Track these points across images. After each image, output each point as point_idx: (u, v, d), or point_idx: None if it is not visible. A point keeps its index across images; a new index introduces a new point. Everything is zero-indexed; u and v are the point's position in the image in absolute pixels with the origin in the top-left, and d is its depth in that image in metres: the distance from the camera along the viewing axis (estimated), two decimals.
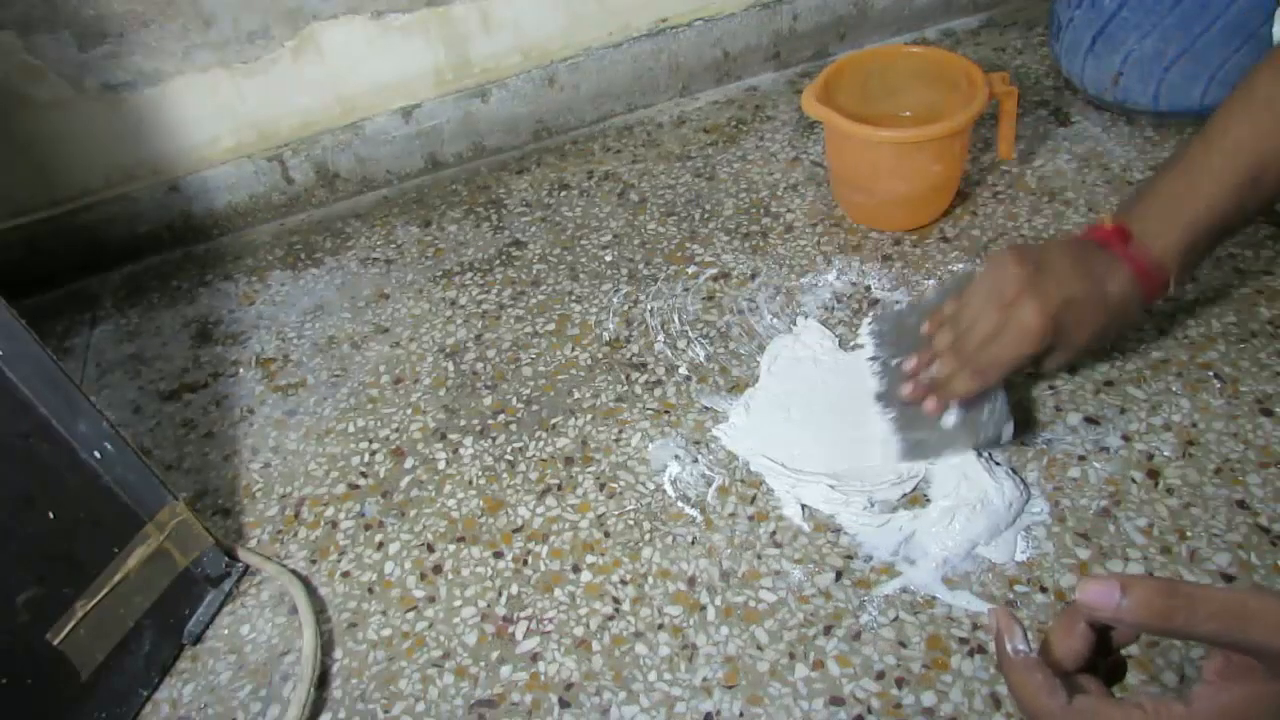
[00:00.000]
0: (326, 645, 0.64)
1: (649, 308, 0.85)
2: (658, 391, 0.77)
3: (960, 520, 0.62)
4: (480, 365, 0.82)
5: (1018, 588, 0.60)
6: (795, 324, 0.80)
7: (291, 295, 0.95)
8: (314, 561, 0.70)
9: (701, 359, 0.79)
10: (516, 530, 0.69)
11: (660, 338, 0.82)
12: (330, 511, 0.73)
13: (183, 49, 0.93)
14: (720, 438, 0.72)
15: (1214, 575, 0.59)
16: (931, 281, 0.82)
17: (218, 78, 0.95)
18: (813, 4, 1.10)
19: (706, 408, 0.75)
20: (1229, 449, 0.65)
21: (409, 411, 0.79)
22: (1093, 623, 0.38)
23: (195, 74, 0.94)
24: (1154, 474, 0.65)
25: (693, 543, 0.66)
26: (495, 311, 0.88)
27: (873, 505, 0.65)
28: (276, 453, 0.78)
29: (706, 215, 0.94)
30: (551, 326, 0.85)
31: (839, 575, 0.62)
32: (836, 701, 0.56)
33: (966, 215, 0.89)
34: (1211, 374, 0.70)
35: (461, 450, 0.75)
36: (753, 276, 0.86)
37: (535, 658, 0.61)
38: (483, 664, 0.62)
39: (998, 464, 0.66)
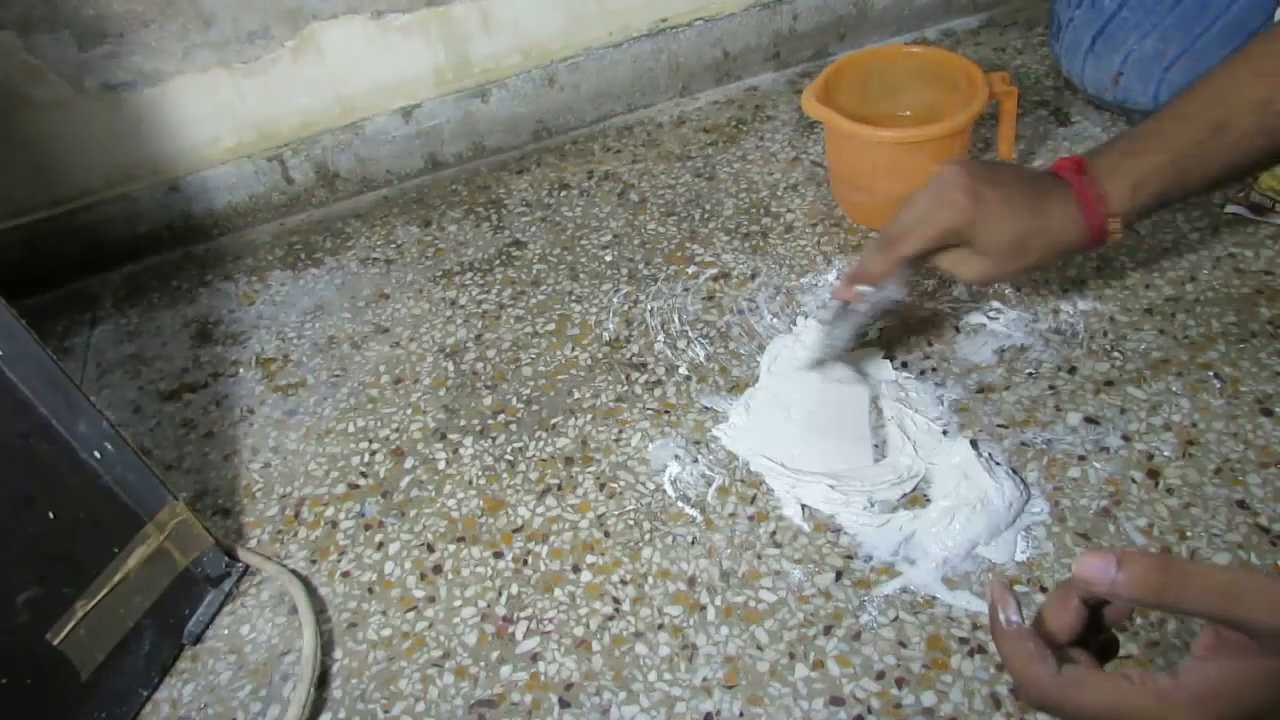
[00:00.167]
0: (326, 645, 0.64)
1: (649, 308, 0.85)
2: (658, 391, 0.77)
3: (960, 520, 0.62)
4: (480, 365, 0.82)
5: (1018, 588, 0.60)
6: (795, 324, 0.80)
7: (291, 295, 0.95)
8: (314, 561, 0.70)
9: (701, 359, 0.79)
10: (516, 530, 0.69)
11: (660, 338, 0.82)
12: (330, 511, 0.73)
13: (183, 49, 0.93)
14: (720, 438, 0.72)
15: None
16: (931, 282, 0.82)
17: (218, 78, 0.95)
18: (813, 4, 1.10)
19: (706, 408, 0.75)
20: (1229, 449, 0.65)
21: (409, 411, 0.79)
22: (1086, 598, 0.38)
23: (195, 74, 0.94)
24: (1154, 474, 0.65)
25: (693, 543, 0.66)
26: (495, 311, 0.88)
27: (873, 505, 0.65)
28: (276, 453, 0.78)
29: (706, 215, 0.94)
30: (551, 326, 0.85)
31: (839, 575, 0.62)
32: (836, 701, 0.56)
33: None
34: (1211, 374, 0.70)
35: (461, 450, 0.75)
36: (753, 276, 0.86)
37: (535, 658, 0.61)
38: (483, 664, 0.62)
39: (998, 464, 0.66)
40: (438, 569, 0.68)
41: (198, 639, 0.66)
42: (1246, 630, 0.33)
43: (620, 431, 0.74)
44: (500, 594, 0.65)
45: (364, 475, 0.75)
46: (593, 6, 1.03)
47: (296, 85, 0.98)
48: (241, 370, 0.87)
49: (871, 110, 0.88)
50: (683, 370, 0.78)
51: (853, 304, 0.66)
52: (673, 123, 1.09)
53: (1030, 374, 0.73)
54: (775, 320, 0.81)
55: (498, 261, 0.93)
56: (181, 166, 1.00)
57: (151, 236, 1.02)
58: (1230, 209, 0.82)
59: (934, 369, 0.74)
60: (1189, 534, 0.61)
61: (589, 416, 0.76)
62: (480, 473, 0.73)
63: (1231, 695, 0.33)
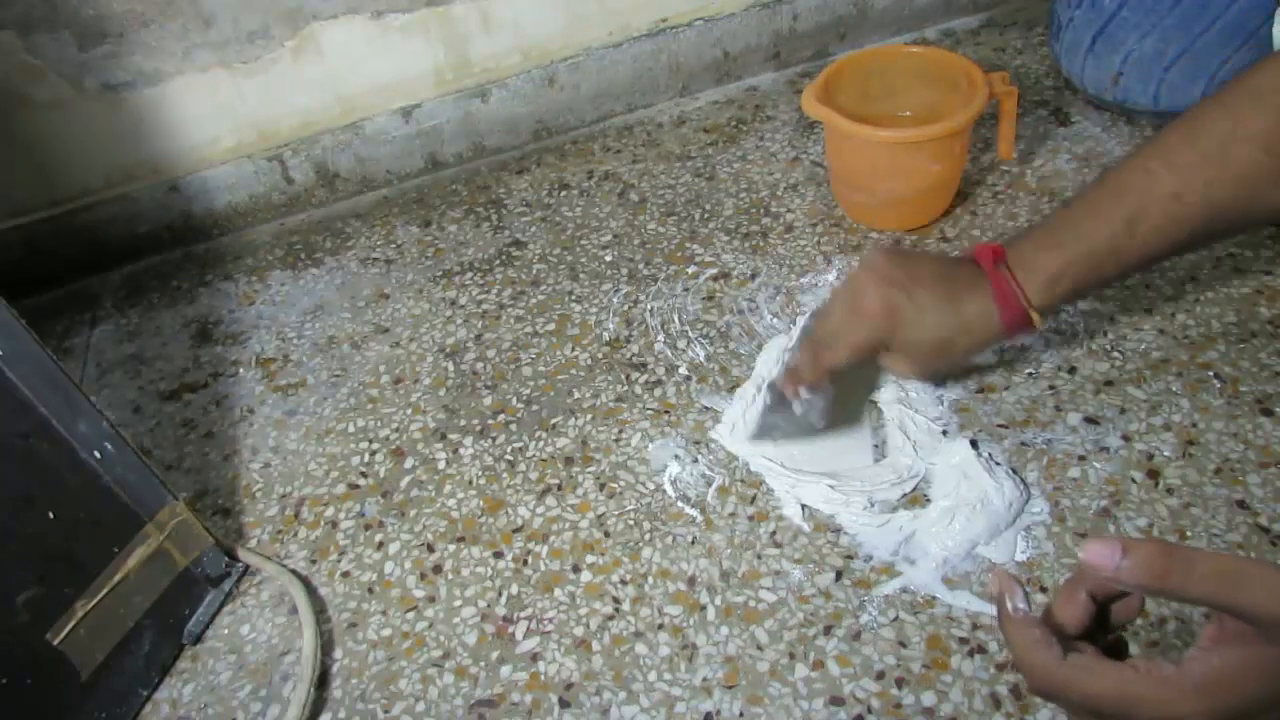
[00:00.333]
0: (326, 645, 0.64)
1: (649, 308, 0.85)
2: (658, 391, 0.77)
3: (960, 520, 0.62)
4: (480, 365, 0.82)
5: None
6: (795, 324, 0.80)
7: (291, 295, 0.95)
8: (314, 561, 0.70)
9: (701, 359, 0.79)
10: (516, 530, 0.69)
11: (660, 338, 0.82)
12: (330, 511, 0.73)
13: (183, 49, 0.93)
14: (719, 438, 0.72)
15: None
16: None
17: (218, 78, 0.95)
18: (813, 4, 1.10)
19: (706, 408, 0.75)
20: (1229, 449, 0.65)
21: (409, 411, 0.79)
22: (1094, 592, 0.39)
23: (195, 74, 0.94)
24: (1154, 474, 0.65)
25: (693, 543, 0.66)
26: (495, 311, 0.88)
27: (873, 505, 0.65)
28: (276, 453, 0.78)
29: (706, 215, 0.94)
30: (551, 326, 0.85)
31: (839, 575, 0.62)
32: (836, 701, 0.56)
33: (966, 215, 0.89)
34: (1211, 374, 0.70)
35: (461, 450, 0.75)
36: (753, 276, 0.86)
37: (535, 658, 0.61)
38: (483, 664, 0.62)
39: (998, 464, 0.66)
40: (438, 569, 0.68)
41: (198, 639, 0.66)
42: (1248, 618, 0.33)
43: (620, 431, 0.74)
44: (500, 594, 0.65)
45: (364, 475, 0.75)
46: (593, 6, 1.03)
47: (296, 85, 0.98)
48: (241, 370, 0.87)
49: (871, 110, 0.88)
50: (683, 370, 0.78)
51: (791, 400, 0.67)
52: (673, 123, 1.09)
53: (1030, 374, 0.73)
54: (775, 320, 0.81)
55: (498, 261, 0.93)
56: (181, 166, 1.00)
57: (151, 236, 1.02)
58: None
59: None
60: (1189, 534, 0.61)
61: (589, 416, 0.76)
62: (480, 473, 0.73)
63: (1235, 683, 0.34)
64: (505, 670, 0.61)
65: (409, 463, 0.75)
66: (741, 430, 0.70)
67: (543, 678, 0.60)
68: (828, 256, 0.87)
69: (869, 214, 0.89)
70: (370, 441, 0.78)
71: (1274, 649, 0.33)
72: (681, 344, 0.81)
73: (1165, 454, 0.66)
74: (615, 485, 0.70)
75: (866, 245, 0.87)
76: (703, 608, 0.62)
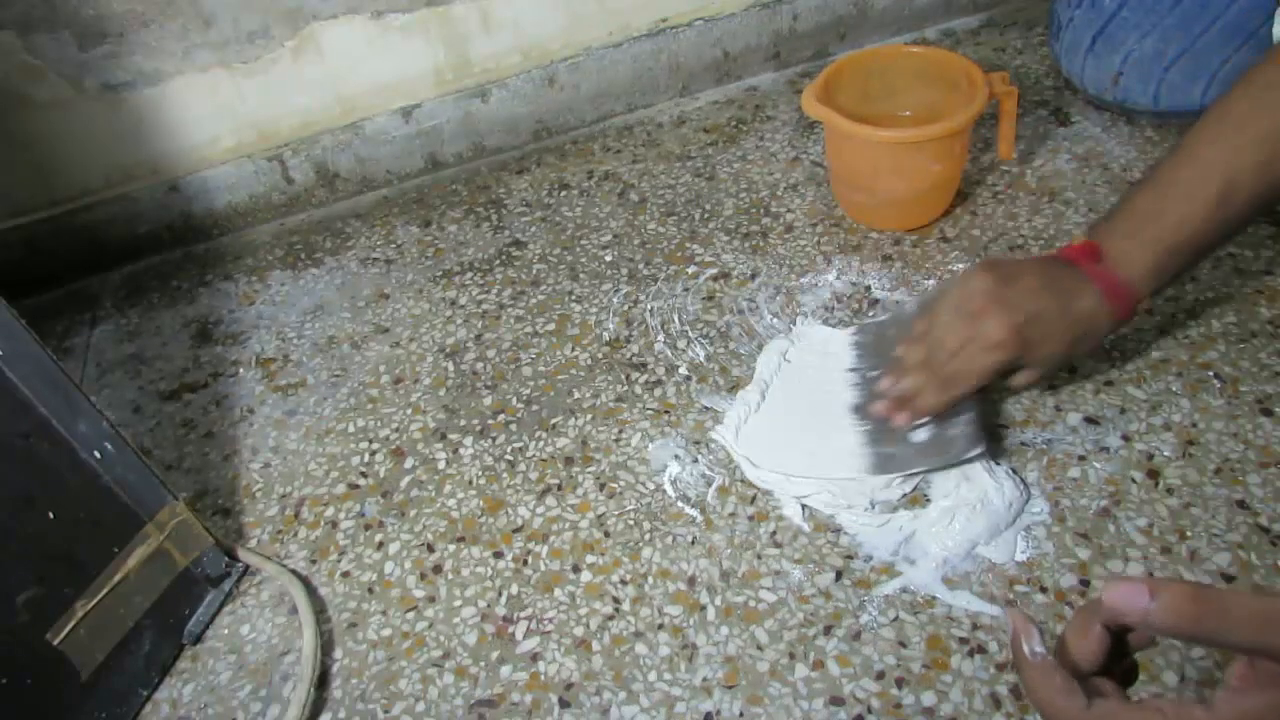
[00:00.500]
0: (326, 645, 0.64)
1: (649, 308, 0.85)
2: (658, 391, 0.77)
3: (960, 520, 0.62)
4: (480, 365, 0.82)
5: (1018, 588, 0.60)
6: (795, 324, 0.80)
7: (291, 295, 0.95)
8: (314, 561, 0.70)
9: (701, 359, 0.79)
10: (516, 530, 0.69)
11: (660, 338, 0.82)
12: (330, 511, 0.73)
13: (183, 49, 0.93)
14: (717, 439, 0.72)
15: (1214, 575, 0.59)
16: (931, 281, 0.82)
17: (218, 78, 0.95)
18: (813, 4, 1.10)
19: (706, 408, 0.75)
20: (1229, 449, 0.65)
21: (409, 411, 0.79)
22: (1109, 625, 0.37)
23: (195, 74, 0.94)
24: (1154, 474, 0.65)
25: (693, 543, 0.66)
26: (495, 311, 0.88)
27: (873, 505, 0.65)
28: (276, 453, 0.78)
29: (706, 215, 0.94)
30: (551, 326, 0.85)
31: (839, 575, 0.62)
32: (836, 701, 0.56)
33: (966, 215, 0.89)
34: (1211, 374, 0.70)
35: (461, 450, 0.75)
36: (753, 276, 0.86)
37: (535, 658, 0.61)
38: (483, 664, 0.62)
39: (998, 464, 0.66)
40: (438, 569, 0.68)
41: (198, 639, 0.66)
42: None
43: (620, 431, 0.74)
44: (500, 594, 0.65)
45: (364, 475, 0.75)
46: (593, 6, 1.03)
47: (296, 85, 0.98)
48: (241, 370, 0.87)
49: (871, 110, 0.88)
50: (683, 370, 0.78)
51: (905, 428, 0.66)
52: (673, 123, 1.09)
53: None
54: (775, 320, 0.81)
55: (498, 261, 0.93)
56: (181, 166, 1.00)
57: (151, 236, 1.02)
58: None
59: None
60: (1189, 534, 0.61)
61: (589, 416, 0.76)
62: (480, 473, 0.73)
63: None
64: (505, 670, 0.61)
65: (409, 463, 0.75)
66: (856, 464, 0.67)
67: (543, 678, 0.60)
68: (828, 256, 0.87)
69: (869, 214, 0.89)
70: (370, 441, 0.78)
71: None
72: (681, 344, 0.81)
73: (1165, 454, 0.66)
74: (615, 485, 0.70)
75: (866, 245, 0.87)
76: (703, 608, 0.62)
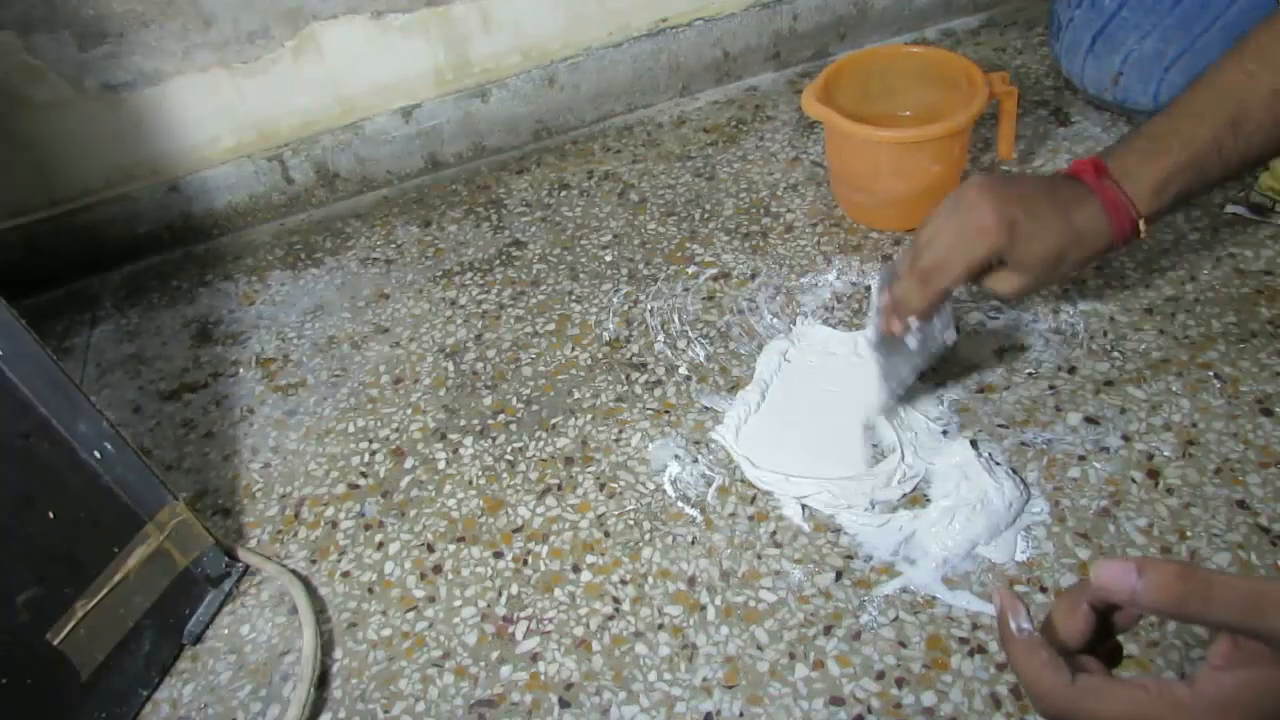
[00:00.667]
0: (326, 645, 0.64)
1: (649, 308, 0.85)
2: (658, 391, 0.77)
3: (960, 520, 0.62)
4: (480, 365, 0.82)
5: (1018, 588, 0.60)
6: (795, 324, 0.80)
7: (291, 295, 0.95)
8: (314, 561, 0.70)
9: (701, 359, 0.79)
10: (516, 530, 0.69)
11: (660, 338, 0.82)
12: (330, 511, 0.73)
13: (183, 49, 0.93)
14: (717, 439, 0.72)
15: None
16: None
17: (218, 78, 0.95)
18: (813, 4, 1.10)
19: (706, 408, 0.75)
20: (1229, 449, 0.65)
21: (409, 411, 0.79)
22: (1096, 604, 0.38)
23: (195, 74, 0.94)
24: (1154, 474, 0.65)
25: (693, 543, 0.66)
26: (495, 311, 0.88)
27: (873, 505, 0.65)
28: (276, 453, 0.78)
29: (706, 215, 0.94)
30: (551, 326, 0.85)
31: (839, 575, 0.62)
32: (836, 701, 0.56)
33: None
34: (1211, 374, 0.70)
35: (461, 450, 0.75)
36: (753, 276, 0.86)
37: (535, 658, 0.61)
38: (483, 664, 0.62)
39: (998, 464, 0.66)
40: (438, 569, 0.68)
41: (198, 639, 0.66)
42: (1269, 640, 0.32)
43: (620, 431, 0.74)
44: (500, 594, 0.65)
45: (364, 475, 0.75)
46: (593, 6, 1.03)
47: (296, 85, 0.98)
48: (241, 370, 0.87)
49: (871, 110, 0.88)
50: (683, 370, 0.78)
51: (902, 337, 0.65)
52: (673, 123, 1.09)
53: (1030, 374, 0.73)
54: (775, 320, 0.81)
55: (498, 261, 0.93)
56: (181, 166, 1.00)
57: (151, 236, 1.02)
58: (1230, 209, 0.82)
59: (934, 369, 0.74)
60: (1189, 534, 0.61)
61: (589, 416, 0.76)
62: (480, 473, 0.73)
63: (1250, 704, 0.33)
64: (505, 670, 0.61)
65: (409, 463, 0.75)
66: (877, 399, 0.69)
67: (543, 678, 0.60)
68: (828, 256, 0.87)
69: (869, 214, 0.89)
70: (370, 441, 0.78)
71: None
72: (681, 344, 0.81)
73: (1165, 454, 0.66)
74: (615, 485, 0.70)
75: (866, 245, 0.87)
76: (703, 608, 0.62)
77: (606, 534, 0.67)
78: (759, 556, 0.64)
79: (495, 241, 0.96)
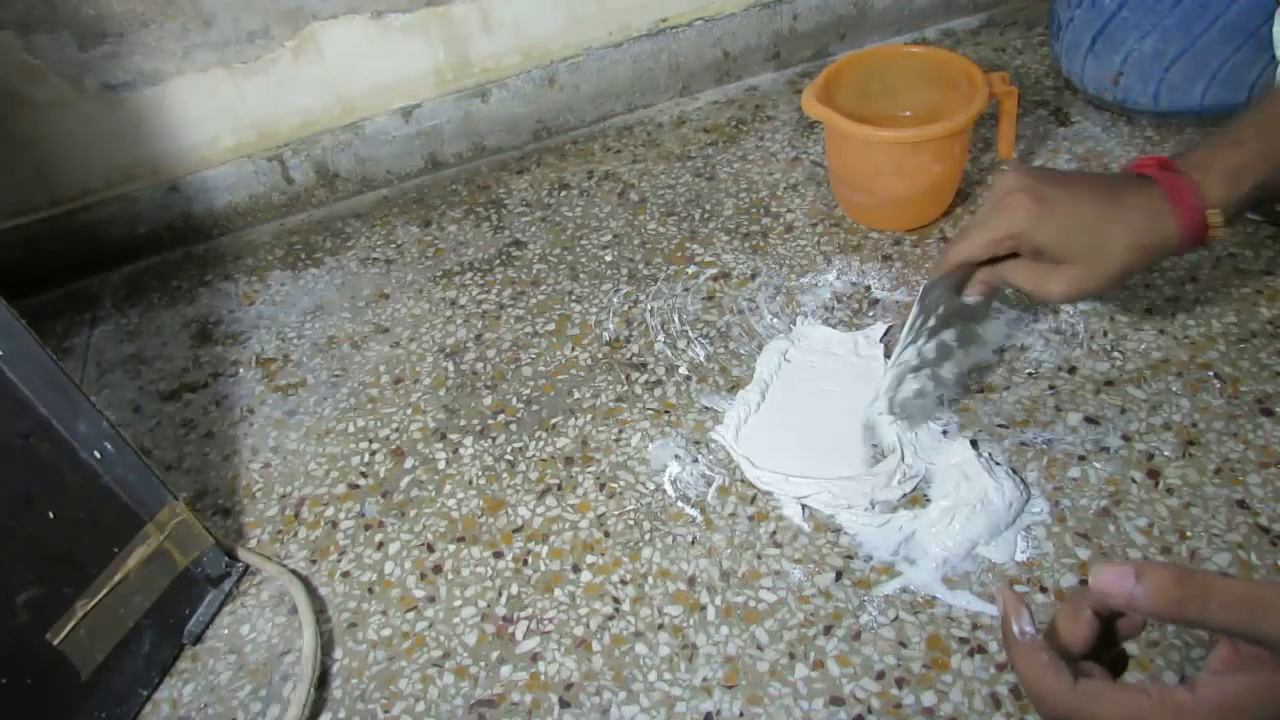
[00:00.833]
0: (326, 645, 0.64)
1: (649, 308, 0.85)
2: (658, 391, 0.77)
3: (960, 520, 0.62)
4: (480, 365, 0.82)
5: (1018, 588, 0.60)
6: (795, 324, 0.80)
7: (291, 295, 0.95)
8: (314, 561, 0.70)
9: (701, 359, 0.79)
10: (516, 530, 0.69)
11: (660, 338, 0.82)
12: (330, 511, 0.73)
13: (183, 49, 0.93)
14: (717, 439, 0.72)
15: None
16: None
17: (218, 78, 0.95)
18: (813, 4, 1.10)
19: (706, 408, 0.75)
20: (1229, 449, 0.65)
21: (409, 411, 0.79)
22: (1099, 610, 0.38)
23: (195, 74, 0.94)
24: (1154, 474, 0.65)
25: (693, 543, 0.66)
26: (495, 311, 0.88)
27: (873, 505, 0.65)
28: (276, 453, 0.78)
29: (706, 215, 0.94)
30: (551, 326, 0.85)
31: (839, 575, 0.62)
32: (836, 701, 0.56)
33: (967, 215, 0.89)
34: (1211, 374, 0.70)
35: (461, 450, 0.75)
36: (753, 276, 0.86)
37: (535, 658, 0.61)
38: (483, 664, 0.62)
39: (998, 464, 0.66)
40: (438, 569, 0.68)
41: (198, 639, 0.66)
42: (1267, 644, 0.32)
43: (620, 431, 0.74)
44: (500, 594, 0.65)
45: (364, 475, 0.75)
46: (593, 6, 1.03)
47: (296, 85, 0.98)
48: (241, 370, 0.87)
49: (871, 110, 0.88)
50: (683, 370, 0.78)
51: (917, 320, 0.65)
52: (673, 123, 1.09)
53: (1030, 374, 0.73)
54: (775, 320, 0.81)
55: (498, 261, 0.93)
56: (181, 166, 1.00)
57: (151, 236, 1.02)
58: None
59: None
60: (1189, 534, 0.61)
61: (589, 416, 0.76)
62: (480, 473, 0.73)
63: (1250, 709, 0.33)
64: (505, 670, 0.61)
65: (409, 463, 0.75)
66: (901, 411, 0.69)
67: (543, 678, 0.60)
68: (828, 256, 0.87)
69: (869, 214, 0.89)
70: (370, 441, 0.78)
71: None
72: (681, 344, 0.81)
73: (1165, 454, 0.66)
74: (615, 485, 0.70)
75: (866, 245, 0.87)
76: (703, 608, 0.62)
77: (606, 534, 0.67)
78: (759, 556, 0.64)
79: (495, 241, 0.96)
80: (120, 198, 0.99)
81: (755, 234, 0.91)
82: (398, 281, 0.93)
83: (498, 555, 0.68)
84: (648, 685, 0.59)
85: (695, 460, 0.71)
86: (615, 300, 0.86)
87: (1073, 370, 0.72)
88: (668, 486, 0.70)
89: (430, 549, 0.69)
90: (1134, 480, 0.65)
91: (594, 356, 0.81)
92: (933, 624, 0.59)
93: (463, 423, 0.78)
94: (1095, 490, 0.64)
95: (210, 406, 0.84)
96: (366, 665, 0.63)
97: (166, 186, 1.00)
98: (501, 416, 0.77)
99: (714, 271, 0.87)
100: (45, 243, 0.99)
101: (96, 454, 0.58)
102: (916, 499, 0.66)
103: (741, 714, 0.57)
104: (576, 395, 0.78)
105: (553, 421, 0.76)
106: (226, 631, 0.66)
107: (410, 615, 0.65)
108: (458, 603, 0.65)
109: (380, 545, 0.70)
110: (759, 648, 0.59)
